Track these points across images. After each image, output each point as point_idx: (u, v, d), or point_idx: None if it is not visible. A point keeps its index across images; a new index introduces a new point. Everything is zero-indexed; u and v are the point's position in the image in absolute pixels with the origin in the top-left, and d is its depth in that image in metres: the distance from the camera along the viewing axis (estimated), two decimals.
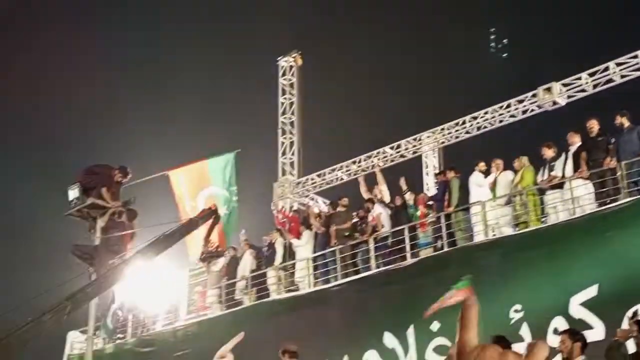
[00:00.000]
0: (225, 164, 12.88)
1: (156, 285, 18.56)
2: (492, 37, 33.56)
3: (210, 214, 11.61)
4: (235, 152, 13.41)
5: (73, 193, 11.79)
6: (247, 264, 17.24)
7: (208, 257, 12.07)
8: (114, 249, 10.71)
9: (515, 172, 13.82)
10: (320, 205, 21.15)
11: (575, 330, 8.14)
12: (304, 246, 16.34)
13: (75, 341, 19.63)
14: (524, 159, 13.78)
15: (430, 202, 15.43)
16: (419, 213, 15.07)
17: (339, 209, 16.31)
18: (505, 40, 33.29)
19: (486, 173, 14.41)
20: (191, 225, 11.35)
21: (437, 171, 21.43)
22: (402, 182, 15.88)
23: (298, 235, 16.64)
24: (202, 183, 12.82)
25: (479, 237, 13.58)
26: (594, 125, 12.87)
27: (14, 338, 7.40)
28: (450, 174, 14.88)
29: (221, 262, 17.75)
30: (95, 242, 11.42)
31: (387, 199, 16.40)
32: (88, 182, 11.95)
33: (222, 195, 12.70)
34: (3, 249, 27.30)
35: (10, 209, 28.42)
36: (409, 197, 15.44)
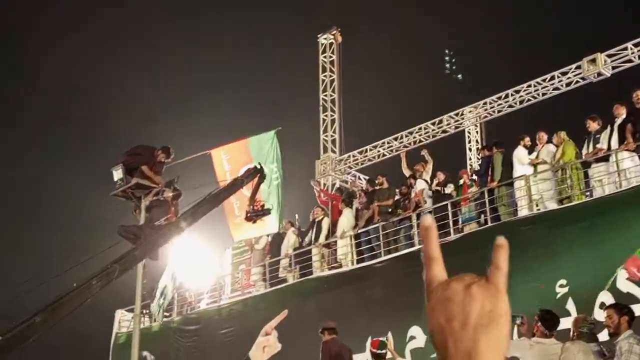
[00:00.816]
0: (266, 142, 12.86)
1: (201, 264, 18.86)
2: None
3: (255, 172, 11.59)
4: (276, 129, 13.36)
5: (117, 174, 11.92)
6: (290, 241, 17.32)
7: (254, 215, 12.03)
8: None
9: (556, 146, 13.65)
10: (363, 183, 21.14)
11: (622, 305, 8.02)
12: (345, 223, 16.34)
13: (122, 319, 19.96)
14: (562, 134, 13.60)
15: (474, 177, 15.34)
16: (461, 184, 15.01)
17: (381, 186, 16.27)
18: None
19: (531, 148, 14.24)
20: (236, 185, 11.34)
21: (479, 146, 21.26)
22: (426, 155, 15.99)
23: (339, 213, 16.66)
24: (244, 161, 12.82)
25: (522, 212, 13.46)
26: None
27: (62, 304, 7.44)
28: (494, 149, 14.74)
29: (264, 240, 17.85)
30: (140, 221, 11.55)
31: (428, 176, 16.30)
32: (131, 163, 12.06)
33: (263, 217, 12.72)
34: (51, 231, 27.84)
35: (60, 190, 28.90)
36: (449, 189, 15.35)
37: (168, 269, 17.64)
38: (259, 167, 11.72)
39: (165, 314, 19.23)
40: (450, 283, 1.03)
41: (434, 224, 1.07)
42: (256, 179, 11.62)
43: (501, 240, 1.07)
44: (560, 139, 13.52)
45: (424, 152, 17.15)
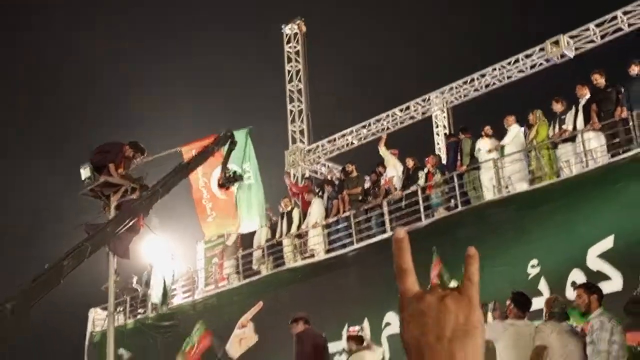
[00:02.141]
0: (239, 142, 12.70)
1: (172, 260, 18.79)
2: None
3: (225, 138, 11.49)
4: (248, 128, 13.22)
5: (85, 172, 11.79)
6: (262, 233, 17.30)
7: (226, 182, 11.95)
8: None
9: (530, 126, 13.72)
10: (333, 172, 21.16)
11: (590, 284, 8.13)
12: (316, 213, 16.35)
13: (97, 318, 19.84)
14: (539, 112, 13.64)
15: (443, 163, 15.42)
16: (427, 172, 15.04)
17: (350, 174, 16.29)
18: None
19: (494, 135, 14.30)
20: (207, 153, 11.22)
21: (447, 132, 21.35)
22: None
23: (309, 204, 16.65)
24: (216, 160, 12.68)
25: (491, 195, 13.56)
26: (600, 77, 12.72)
27: (34, 287, 7.20)
28: (460, 135, 14.83)
29: (234, 235, 17.80)
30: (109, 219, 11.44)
31: (391, 162, 16.23)
32: (99, 161, 11.94)
33: (236, 183, 12.57)
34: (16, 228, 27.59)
35: (26, 189, 28.62)
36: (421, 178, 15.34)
37: (158, 264, 17.70)
38: (229, 133, 11.59)
39: (140, 310, 19.16)
40: (424, 296, 1.02)
41: (407, 236, 1.06)
42: (226, 146, 11.51)
43: (472, 251, 1.05)
44: (536, 118, 13.57)
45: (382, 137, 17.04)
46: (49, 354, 23.97)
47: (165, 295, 18.08)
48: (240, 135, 12.58)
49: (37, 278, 7.31)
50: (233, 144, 11.71)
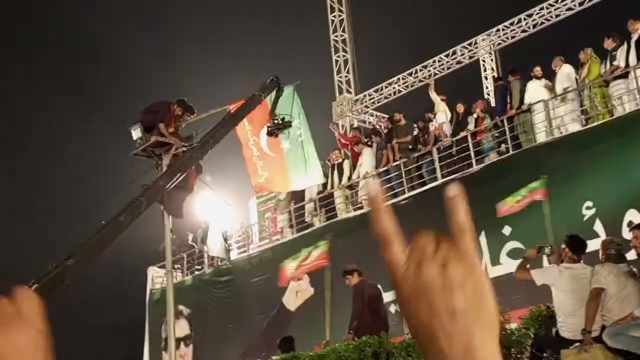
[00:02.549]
0: (286, 98, 12.55)
1: (226, 216, 19.01)
2: None
3: (272, 85, 11.46)
4: (295, 84, 13.07)
5: (136, 133, 11.90)
6: (313, 186, 17.35)
7: (275, 129, 11.94)
8: (180, 184, 10.78)
9: (580, 65, 13.41)
10: (382, 121, 21.06)
11: None
12: (367, 163, 16.35)
13: (155, 276, 20.25)
14: (589, 51, 13.31)
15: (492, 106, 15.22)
16: (476, 117, 14.86)
17: (398, 122, 16.17)
18: None
19: (544, 76, 14.02)
20: (254, 101, 11.18)
21: (495, 75, 21.04)
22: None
23: (358, 156, 16.63)
24: (264, 118, 12.61)
25: (543, 137, 13.37)
26: None
27: (93, 243, 7.31)
28: (509, 77, 14.58)
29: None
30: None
31: (441, 108, 16.07)
32: (149, 121, 12.04)
33: (285, 130, 12.49)
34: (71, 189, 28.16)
35: (77, 150, 29.13)
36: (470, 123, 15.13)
37: (214, 221, 17.96)
38: (275, 79, 11.55)
39: (197, 267, 19.49)
40: (420, 268, 0.84)
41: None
42: (274, 93, 11.47)
43: (452, 191, 0.87)
44: (587, 56, 13.25)
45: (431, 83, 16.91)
46: (114, 312, 24.62)
47: (227, 250, 18.37)
48: (287, 91, 12.48)
49: (96, 234, 7.43)
50: (280, 90, 11.63)
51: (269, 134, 12.12)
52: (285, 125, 11.91)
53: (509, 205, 10.99)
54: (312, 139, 13.81)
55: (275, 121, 11.85)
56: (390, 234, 0.89)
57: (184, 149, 11.10)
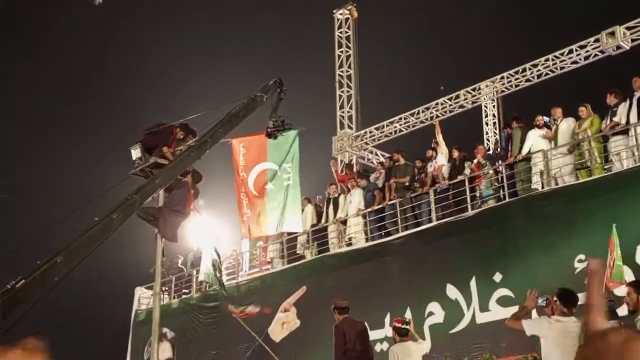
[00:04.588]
0: (285, 141, 12.45)
1: (217, 241, 18.90)
2: None
3: (274, 86, 11.36)
4: (299, 129, 13.00)
5: (136, 153, 11.83)
6: (307, 218, 17.33)
7: (274, 131, 11.81)
8: (177, 208, 10.72)
9: (580, 119, 13.50)
10: (380, 159, 21.10)
11: None
12: (355, 203, 16.39)
13: (142, 296, 20.12)
14: (589, 107, 13.42)
15: (495, 152, 15.25)
16: (477, 162, 14.91)
17: (397, 162, 16.20)
18: None
19: (545, 125, 14.10)
20: (256, 102, 11.02)
21: (496, 121, 21.16)
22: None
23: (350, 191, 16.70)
24: (259, 157, 12.57)
25: (540, 187, 13.39)
26: None
27: (84, 240, 7.13)
28: (513, 124, 14.65)
29: None
30: (159, 202, 11.51)
31: (444, 151, 16.12)
32: (150, 142, 12.00)
33: (273, 171, 12.45)
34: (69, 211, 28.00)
35: (76, 171, 29.07)
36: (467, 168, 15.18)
37: (208, 244, 17.78)
38: (278, 80, 11.49)
39: (185, 290, 19.37)
40: (608, 335, 1.04)
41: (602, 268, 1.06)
42: (276, 93, 11.41)
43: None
44: (589, 112, 13.33)
45: (436, 123, 16.97)
46: (97, 331, 24.43)
47: (220, 276, 18.22)
48: (290, 134, 12.42)
49: (87, 231, 7.27)
50: (282, 92, 11.55)
51: (268, 135, 12.02)
52: (285, 127, 11.75)
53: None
54: (301, 185, 13.69)
55: (275, 122, 11.73)
56: (596, 304, 1.10)
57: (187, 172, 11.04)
